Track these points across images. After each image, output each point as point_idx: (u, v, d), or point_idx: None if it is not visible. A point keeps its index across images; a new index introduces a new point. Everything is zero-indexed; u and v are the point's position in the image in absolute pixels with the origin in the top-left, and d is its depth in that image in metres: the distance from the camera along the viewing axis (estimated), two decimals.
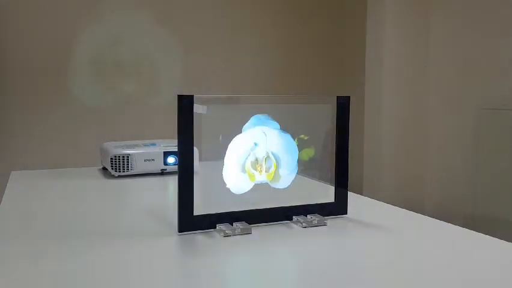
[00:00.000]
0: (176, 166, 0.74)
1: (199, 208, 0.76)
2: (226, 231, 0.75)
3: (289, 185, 0.84)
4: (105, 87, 2.57)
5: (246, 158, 0.80)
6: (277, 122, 0.82)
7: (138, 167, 1.23)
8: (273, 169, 0.82)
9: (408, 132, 2.55)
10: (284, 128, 0.83)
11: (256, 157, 0.80)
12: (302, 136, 0.85)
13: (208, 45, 2.75)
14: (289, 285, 0.58)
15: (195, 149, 0.77)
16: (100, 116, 2.54)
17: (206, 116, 0.75)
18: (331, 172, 0.87)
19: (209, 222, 0.77)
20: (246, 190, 0.80)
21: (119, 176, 1.23)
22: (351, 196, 0.90)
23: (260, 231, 0.78)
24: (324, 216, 0.84)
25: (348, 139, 0.86)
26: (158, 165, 1.25)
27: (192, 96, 0.73)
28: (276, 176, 0.83)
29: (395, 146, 2.53)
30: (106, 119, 2.55)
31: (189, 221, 0.76)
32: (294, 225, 0.82)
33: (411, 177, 2.56)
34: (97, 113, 2.54)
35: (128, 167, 1.22)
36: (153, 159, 1.24)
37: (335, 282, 0.60)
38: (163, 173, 1.26)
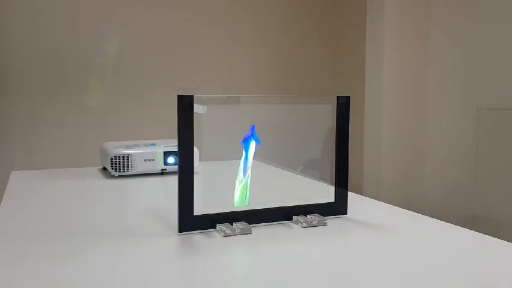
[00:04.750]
0: (176, 166, 0.74)
1: (199, 208, 0.76)
2: (226, 231, 0.75)
3: None
4: (105, 87, 2.57)
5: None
6: (278, 122, 0.82)
7: (138, 167, 1.23)
8: None
9: (409, 132, 2.55)
10: (284, 129, 0.83)
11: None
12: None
13: (208, 45, 2.75)
14: (289, 285, 0.58)
15: (195, 149, 0.77)
16: (100, 116, 2.54)
17: (206, 116, 0.75)
18: (331, 172, 0.87)
19: (209, 222, 0.77)
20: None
21: (119, 176, 1.23)
22: (351, 196, 0.90)
23: (260, 231, 0.78)
24: (324, 216, 0.84)
25: (348, 139, 0.86)
26: (158, 165, 1.25)
27: (192, 96, 0.73)
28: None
29: (395, 146, 2.53)
30: (106, 119, 2.55)
31: (189, 221, 0.76)
32: (294, 225, 0.82)
33: (411, 177, 2.56)
34: (97, 113, 2.54)
35: (128, 167, 1.22)
36: (153, 159, 1.24)
37: (335, 282, 0.60)
38: (163, 173, 1.26)
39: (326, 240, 0.76)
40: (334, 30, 3.06)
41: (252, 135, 0.80)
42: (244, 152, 0.81)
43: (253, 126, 0.80)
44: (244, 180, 0.82)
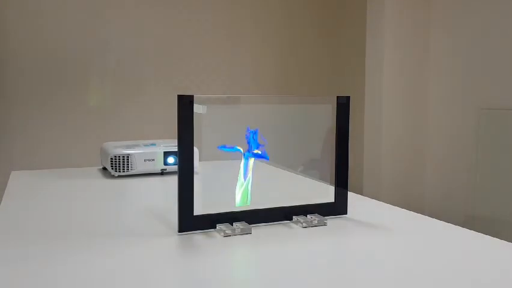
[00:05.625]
0: (176, 166, 0.74)
1: (199, 208, 0.76)
2: (226, 231, 0.75)
3: None
4: (105, 87, 2.57)
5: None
6: (278, 122, 0.82)
7: (138, 167, 1.23)
8: None
9: (409, 132, 2.55)
10: (284, 129, 0.83)
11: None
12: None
13: (208, 45, 2.75)
14: (289, 285, 0.58)
15: (195, 149, 0.77)
16: (100, 116, 2.54)
17: (206, 116, 0.75)
18: (331, 172, 0.87)
19: (209, 222, 0.77)
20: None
21: (119, 176, 1.23)
22: (351, 196, 0.90)
23: (260, 231, 0.78)
24: (324, 216, 0.84)
25: (348, 139, 0.86)
26: (158, 165, 1.25)
27: (192, 96, 0.73)
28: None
29: (395, 146, 2.53)
30: (106, 119, 2.55)
31: (189, 221, 0.76)
32: (294, 225, 0.82)
33: (411, 177, 2.56)
34: (97, 113, 2.54)
35: (128, 167, 1.22)
36: (153, 159, 1.24)
37: (334, 282, 0.60)
38: (163, 173, 1.26)
39: (326, 240, 0.76)
40: (334, 30, 3.06)
41: (263, 155, 0.80)
42: (243, 157, 0.81)
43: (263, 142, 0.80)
44: (245, 184, 0.82)
